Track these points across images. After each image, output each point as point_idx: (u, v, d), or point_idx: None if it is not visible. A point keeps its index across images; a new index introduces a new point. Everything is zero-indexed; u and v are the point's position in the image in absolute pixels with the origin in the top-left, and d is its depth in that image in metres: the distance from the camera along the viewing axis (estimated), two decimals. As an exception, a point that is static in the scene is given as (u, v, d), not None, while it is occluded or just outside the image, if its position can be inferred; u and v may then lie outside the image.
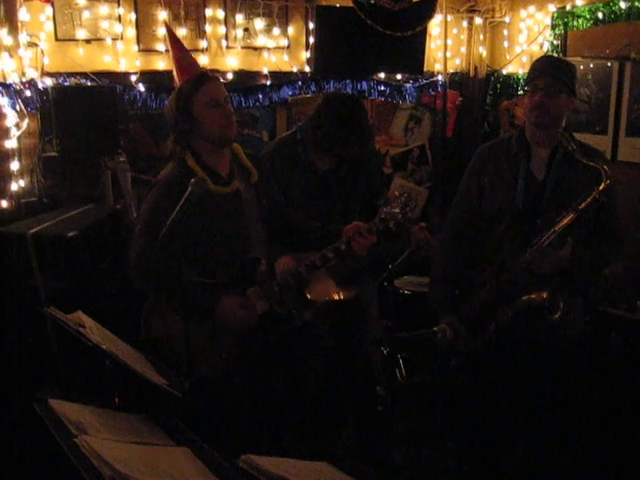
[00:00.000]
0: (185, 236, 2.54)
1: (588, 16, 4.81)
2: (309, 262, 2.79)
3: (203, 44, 4.55)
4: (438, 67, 5.50)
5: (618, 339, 3.52)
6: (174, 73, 3.22)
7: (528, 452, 2.98)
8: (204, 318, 2.61)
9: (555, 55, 5.03)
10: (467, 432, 3.13)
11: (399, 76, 5.27)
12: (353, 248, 2.83)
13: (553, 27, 5.08)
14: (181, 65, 2.84)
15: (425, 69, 5.33)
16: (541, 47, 5.19)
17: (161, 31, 4.46)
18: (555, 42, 5.09)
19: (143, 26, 4.47)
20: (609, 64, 4.72)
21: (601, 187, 2.63)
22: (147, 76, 4.45)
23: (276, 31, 4.79)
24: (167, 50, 4.45)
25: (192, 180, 2.48)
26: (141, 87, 4.43)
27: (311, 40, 4.87)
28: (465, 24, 5.63)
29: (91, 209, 4.00)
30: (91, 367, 2.80)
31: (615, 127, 4.75)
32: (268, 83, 4.79)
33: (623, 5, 4.53)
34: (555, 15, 5.05)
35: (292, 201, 3.24)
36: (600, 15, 4.71)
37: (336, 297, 3.20)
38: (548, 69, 2.80)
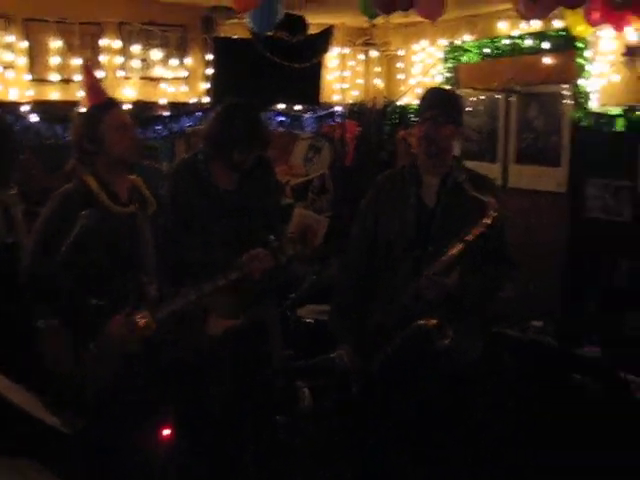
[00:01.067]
0: (80, 256, 2.58)
1: (476, 51, 5.05)
2: (199, 290, 2.81)
3: (99, 74, 4.47)
4: (336, 98, 5.62)
5: (511, 359, 3.66)
6: (83, 97, 3.26)
7: (429, 472, 3.03)
8: (91, 339, 2.62)
9: (448, 87, 5.25)
10: (367, 455, 3.14)
11: (298, 107, 5.35)
12: (248, 274, 2.93)
13: (445, 60, 5.31)
14: (91, 91, 2.91)
15: (324, 100, 5.45)
16: (434, 79, 5.40)
17: (54, 60, 4.37)
18: (447, 75, 5.31)
19: (36, 55, 4.37)
20: (497, 96, 4.95)
21: (488, 220, 2.72)
22: (39, 106, 4.35)
23: (174, 62, 4.78)
24: (63, 80, 4.39)
25: (82, 212, 2.49)
26: (33, 117, 4.31)
27: (209, 71, 4.88)
28: (362, 57, 5.79)
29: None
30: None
31: (504, 155, 4.98)
32: (166, 114, 4.76)
33: (507, 42, 4.78)
34: (447, 49, 5.27)
35: (195, 222, 3.23)
36: (487, 50, 4.95)
37: (231, 324, 3.18)
38: (436, 101, 2.91)
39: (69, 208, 2.63)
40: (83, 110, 2.97)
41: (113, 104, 2.89)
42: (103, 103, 2.87)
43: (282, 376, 3.59)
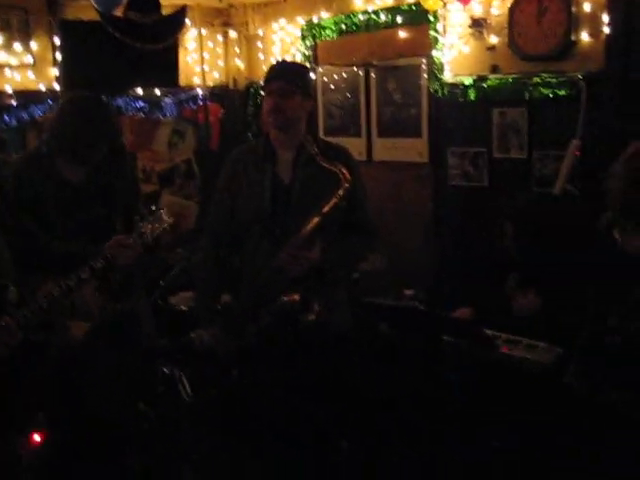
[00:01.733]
0: None
1: (334, 28, 5.08)
2: (64, 285, 2.67)
3: None
4: (197, 81, 5.49)
5: (385, 327, 3.72)
6: None
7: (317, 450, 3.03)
8: None
9: (307, 65, 5.25)
10: (251, 440, 3.12)
11: (158, 92, 5.19)
12: (113, 262, 2.81)
13: (303, 38, 5.30)
14: None
15: (184, 83, 5.31)
16: (294, 57, 5.39)
17: None
18: (307, 52, 5.31)
19: None
20: (356, 70, 5.01)
21: (340, 191, 2.73)
22: None
23: (18, 47, 4.49)
24: None
25: None
26: None
27: (58, 56, 4.63)
28: (220, 38, 5.70)
29: None
30: None
31: (367, 129, 5.05)
32: (14, 103, 4.48)
33: (362, 17, 4.84)
34: (304, 27, 5.27)
35: (47, 219, 3.06)
36: (343, 27, 4.99)
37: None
38: (281, 73, 2.88)
39: None
40: None
41: None
42: None
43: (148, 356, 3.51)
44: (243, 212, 2.90)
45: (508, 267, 3.93)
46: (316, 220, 2.70)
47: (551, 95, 3.99)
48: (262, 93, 2.93)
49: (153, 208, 2.95)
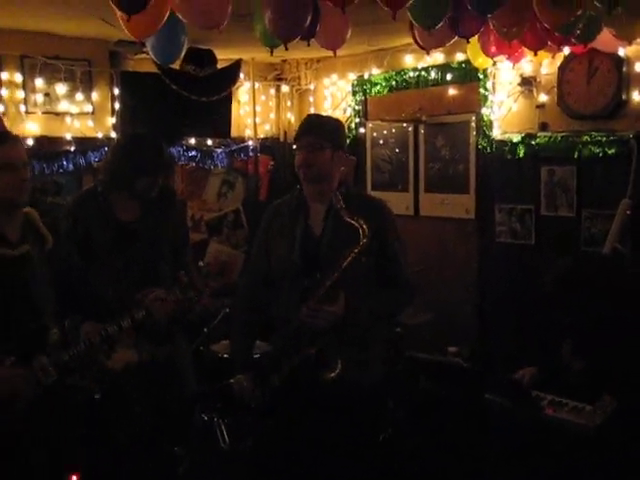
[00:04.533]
0: None
1: (384, 83, 5.17)
2: (104, 332, 2.71)
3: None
4: (249, 133, 5.63)
5: (427, 382, 3.67)
6: None
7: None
8: None
9: (357, 119, 5.35)
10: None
11: (210, 142, 5.32)
12: (153, 315, 2.83)
13: (354, 93, 5.40)
14: None
15: (236, 135, 5.45)
16: (345, 112, 5.49)
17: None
18: (357, 107, 5.40)
19: None
20: (405, 125, 5.06)
21: (357, 248, 2.69)
22: None
23: (79, 96, 4.69)
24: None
25: None
26: None
27: (117, 106, 4.81)
28: (273, 91, 5.84)
29: None
30: None
31: (415, 184, 5.07)
32: (72, 149, 4.65)
33: (412, 74, 4.91)
34: (355, 82, 5.37)
35: (96, 258, 3.13)
36: (394, 83, 5.07)
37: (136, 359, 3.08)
38: (310, 128, 2.90)
39: None
40: None
41: (4, 139, 2.68)
42: None
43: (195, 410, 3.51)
44: (276, 263, 2.93)
45: (558, 328, 3.88)
46: (336, 275, 2.69)
47: (601, 154, 3.97)
48: (294, 147, 2.95)
49: (201, 264, 2.98)
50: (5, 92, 4.39)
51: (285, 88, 5.83)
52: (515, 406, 3.21)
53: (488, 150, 4.53)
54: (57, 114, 4.63)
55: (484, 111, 4.53)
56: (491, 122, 4.51)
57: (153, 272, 3.09)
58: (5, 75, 4.42)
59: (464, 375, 3.45)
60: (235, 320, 3.15)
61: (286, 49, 3.12)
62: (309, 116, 3.36)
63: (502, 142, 4.45)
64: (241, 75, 5.13)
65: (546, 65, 4.22)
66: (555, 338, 3.85)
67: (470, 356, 4.26)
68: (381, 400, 2.95)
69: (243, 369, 2.86)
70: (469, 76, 4.60)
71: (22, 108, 4.49)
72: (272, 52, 3.43)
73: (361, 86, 5.33)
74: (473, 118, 4.65)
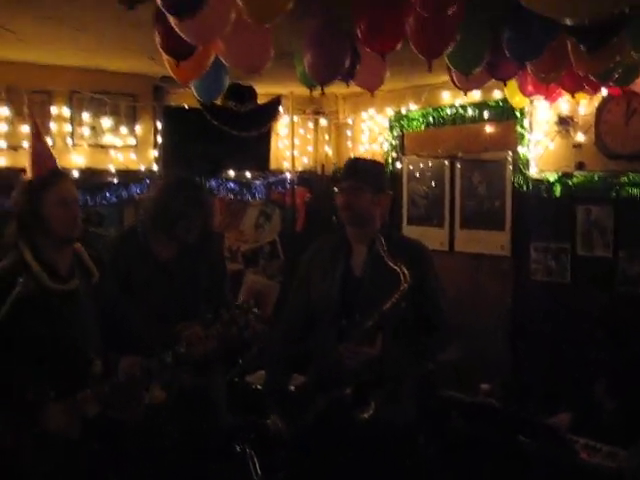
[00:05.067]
0: (16, 334, 2.50)
1: (421, 119, 5.23)
2: (146, 367, 2.77)
3: (48, 142, 4.48)
4: (287, 165, 5.72)
5: (460, 420, 3.66)
6: (28, 165, 3.16)
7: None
8: (32, 422, 2.51)
9: (393, 153, 5.41)
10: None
11: (248, 174, 5.42)
12: (193, 352, 2.86)
13: (391, 128, 5.47)
14: (37, 159, 2.83)
15: (274, 167, 5.54)
16: (381, 146, 5.55)
17: (1, 127, 4.38)
18: (394, 142, 5.47)
19: (-18, 121, 4.38)
20: (441, 162, 5.10)
21: (398, 293, 2.73)
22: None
23: (124, 130, 4.83)
24: (9, 147, 4.39)
25: (20, 280, 2.43)
26: (-21, 185, 4.28)
27: (159, 139, 4.94)
28: (311, 125, 5.94)
29: None
30: None
31: (451, 220, 5.10)
32: (115, 181, 4.78)
33: (449, 111, 4.96)
34: (392, 118, 5.44)
35: (133, 293, 3.21)
36: (431, 119, 5.13)
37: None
38: (351, 172, 2.96)
39: (2, 286, 2.49)
40: (25, 180, 2.84)
41: (57, 177, 2.78)
42: (47, 175, 2.77)
43: (228, 442, 3.55)
44: (316, 299, 2.98)
45: (593, 368, 3.85)
46: (375, 317, 2.73)
47: (639, 195, 3.96)
48: (336, 190, 3.01)
49: (238, 303, 3.03)
50: (54, 126, 4.55)
51: (323, 121, 5.93)
52: (550, 450, 3.19)
53: (524, 188, 4.55)
54: (102, 147, 4.78)
55: (521, 149, 4.56)
56: (528, 160, 4.53)
57: (190, 309, 3.16)
58: (54, 109, 4.57)
59: (497, 416, 3.44)
60: (271, 353, 3.19)
61: (322, 93, 3.21)
62: (351, 160, 3.41)
63: (538, 180, 4.47)
64: (280, 109, 5.23)
65: (584, 105, 4.24)
66: (589, 377, 3.83)
67: (503, 395, 4.24)
68: (412, 437, 2.96)
69: (276, 404, 2.90)
70: (506, 114, 4.63)
71: (69, 141, 4.64)
72: (311, 91, 3.53)
73: (398, 121, 5.40)
74: (510, 156, 4.67)
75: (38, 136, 2.95)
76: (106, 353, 2.80)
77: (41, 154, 2.86)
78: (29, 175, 2.84)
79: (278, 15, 2.19)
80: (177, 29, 2.38)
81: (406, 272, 2.72)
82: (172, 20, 2.33)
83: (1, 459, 2.50)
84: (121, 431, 2.90)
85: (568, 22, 2.30)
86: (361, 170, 2.96)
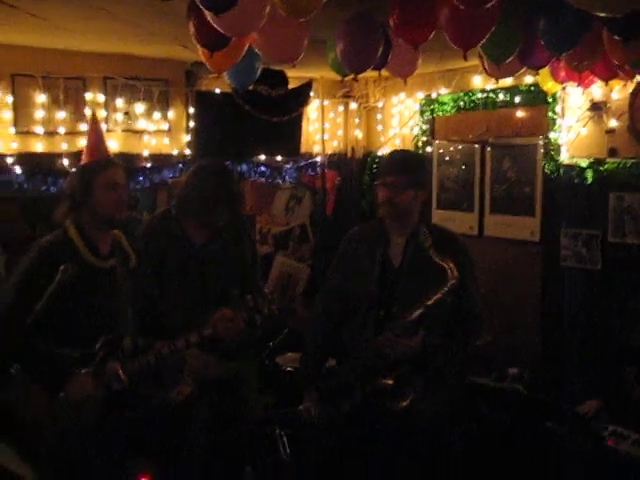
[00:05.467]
0: (55, 310, 2.63)
1: (452, 104, 5.21)
2: (173, 346, 2.87)
3: (82, 127, 4.56)
4: (317, 149, 5.74)
5: (486, 408, 3.69)
6: (84, 151, 3.30)
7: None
8: (57, 389, 2.66)
9: (423, 138, 5.40)
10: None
11: (279, 157, 5.46)
12: (220, 334, 2.95)
13: (422, 112, 5.46)
14: (92, 148, 2.99)
15: (304, 150, 5.57)
16: (412, 130, 5.55)
17: (39, 114, 4.47)
18: (424, 126, 5.46)
19: (20, 108, 4.46)
20: (472, 147, 5.09)
21: (446, 288, 2.76)
22: (24, 158, 4.42)
23: (157, 115, 4.88)
24: (46, 132, 4.48)
25: (61, 267, 2.55)
26: (18, 169, 4.38)
27: (191, 124, 4.99)
28: (341, 109, 5.95)
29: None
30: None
31: (480, 205, 5.09)
32: (149, 165, 4.85)
33: (480, 95, 4.94)
34: (423, 102, 5.43)
35: (167, 278, 3.28)
36: (461, 103, 5.11)
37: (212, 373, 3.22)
38: (395, 167, 2.98)
39: (48, 260, 2.70)
40: (80, 164, 3.04)
41: (109, 163, 2.97)
42: (100, 161, 2.95)
43: (259, 425, 3.62)
44: (353, 290, 3.01)
45: (622, 355, 3.86)
46: (419, 311, 2.75)
47: (672, 181, 3.93)
48: (376, 183, 3.02)
49: (266, 291, 3.10)
50: (89, 111, 4.62)
51: (353, 105, 5.93)
52: (577, 437, 3.22)
53: (555, 174, 4.52)
54: (135, 132, 4.84)
55: (552, 135, 4.53)
56: (559, 146, 4.50)
57: (222, 294, 3.22)
58: (89, 95, 4.64)
59: (525, 403, 3.47)
60: (309, 341, 3.24)
61: (356, 80, 3.22)
62: (393, 154, 3.40)
63: (570, 166, 4.44)
64: (311, 94, 5.25)
65: (617, 90, 4.19)
66: (618, 364, 3.84)
67: (531, 380, 4.26)
68: (446, 427, 3.01)
69: (312, 390, 2.96)
70: (538, 99, 4.59)
71: (103, 126, 4.70)
72: (343, 79, 3.54)
73: (429, 105, 5.38)
74: (541, 141, 4.64)
75: (95, 127, 3.09)
76: (138, 335, 2.91)
77: (96, 143, 3.02)
78: (83, 161, 3.00)
79: (313, 11, 2.21)
80: (212, 22, 2.42)
81: (453, 268, 2.74)
82: (208, 14, 2.37)
83: (23, 425, 2.63)
84: (148, 411, 3.00)
85: (603, 14, 2.29)
86: (405, 166, 2.98)
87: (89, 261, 2.84)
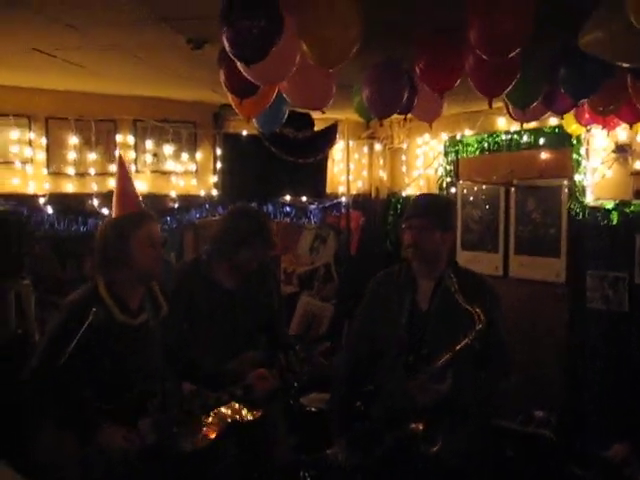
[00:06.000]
0: (85, 360, 2.63)
1: (476, 145, 5.25)
2: (203, 403, 2.88)
3: (112, 168, 4.66)
4: (342, 189, 5.80)
5: (511, 452, 3.65)
6: (114, 199, 3.23)
7: None
8: (86, 440, 2.65)
9: (448, 179, 5.43)
10: None
11: (304, 198, 5.52)
12: (252, 393, 3.02)
13: (446, 154, 5.50)
14: (124, 198, 2.91)
15: (329, 191, 5.63)
16: (436, 171, 5.59)
17: (71, 155, 4.58)
18: (448, 167, 5.50)
19: (53, 150, 4.59)
20: (496, 188, 5.11)
21: (473, 333, 2.75)
22: (55, 199, 4.52)
23: (185, 156, 4.99)
24: (77, 173, 4.59)
25: (93, 309, 2.57)
26: (49, 209, 4.48)
27: (218, 165, 5.08)
28: (366, 150, 6.02)
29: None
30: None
31: (505, 246, 5.09)
32: (176, 206, 4.93)
33: (504, 137, 4.98)
34: (447, 143, 5.48)
35: (197, 323, 3.32)
36: (486, 144, 5.15)
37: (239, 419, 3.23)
38: (421, 210, 2.99)
39: (77, 316, 2.64)
40: (113, 217, 2.92)
41: (147, 218, 2.87)
42: (137, 215, 2.85)
43: (286, 467, 3.61)
44: (381, 335, 3.01)
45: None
46: (447, 356, 2.75)
47: (698, 225, 3.92)
48: (403, 226, 3.04)
49: (297, 348, 3.13)
50: (118, 153, 4.72)
51: (378, 146, 6.00)
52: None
53: (580, 215, 4.52)
54: (164, 173, 4.94)
55: (577, 177, 4.54)
56: (584, 188, 4.51)
57: (250, 338, 3.25)
58: (120, 137, 4.76)
59: (552, 447, 3.43)
60: (336, 384, 3.22)
61: (381, 125, 3.28)
62: (420, 197, 3.42)
63: (595, 208, 4.44)
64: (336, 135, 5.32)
65: (642, 133, 4.21)
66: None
67: (557, 423, 4.21)
68: (475, 470, 2.98)
69: (339, 438, 2.97)
70: (562, 141, 4.62)
71: (132, 167, 4.81)
72: (368, 124, 3.60)
73: (453, 146, 5.43)
74: (565, 183, 4.65)
75: (125, 176, 2.98)
76: (166, 381, 2.91)
77: (128, 194, 2.91)
78: (115, 212, 2.90)
79: (342, 60, 2.27)
80: (243, 71, 2.49)
81: (480, 313, 2.74)
82: (239, 64, 2.44)
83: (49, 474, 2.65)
84: (178, 461, 3.00)
85: (625, 65, 2.33)
86: (431, 208, 2.99)
87: (119, 319, 2.77)
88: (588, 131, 4.38)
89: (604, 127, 3.92)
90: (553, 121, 4.62)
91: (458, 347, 2.74)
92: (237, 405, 3.18)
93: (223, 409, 3.13)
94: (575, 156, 4.57)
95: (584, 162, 4.52)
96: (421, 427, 2.73)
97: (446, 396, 2.76)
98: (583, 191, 4.52)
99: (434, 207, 3.02)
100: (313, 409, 4.50)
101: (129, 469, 2.71)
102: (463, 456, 2.88)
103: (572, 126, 4.35)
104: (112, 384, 2.75)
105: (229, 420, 3.15)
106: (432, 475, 2.80)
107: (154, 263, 2.83)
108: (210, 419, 3.08)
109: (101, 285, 2.79)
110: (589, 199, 4.50)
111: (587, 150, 4.52)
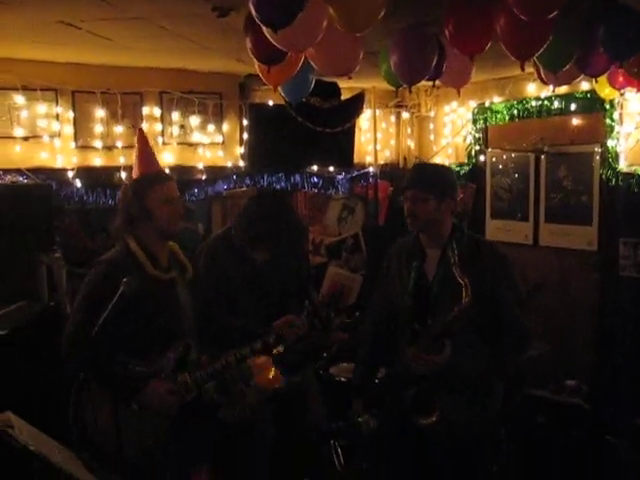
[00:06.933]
0: (120, 322, 2.68)
1: (505, 112, 5.16)
2: (238, 354, 2.92)
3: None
4: (369, 159, 5.75)
5: (543, 420, 3.64)
6: (134, 166, 3.38)
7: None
8: (132, 401, 2.73)
9: (477, 147, 5.36)
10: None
11: (331, 168, 5.48)
12: (284, 338, 3.06)
13: (474, 121, 5.42)
14: (142, 161, 3.06)
15: (356, 161, 5.57)
16: (464, 139, 5.52)
17: (98, 128, 4.59)
18: (477, 135, 5.42)
19: (80, 123, 4.59)
20: (526, 155, 5.03)
21: (460, 307, 2.73)
22: (84, 172, 4.54)
23: (211, 128, 4.97)
24: (104, 147, 4.60)
25: (124, 279, 2.59)
26: (78, 183, 4.50)
27: (245, 136, 5.06)
28: (393, 118, 5.95)
29: (23, 306, 3.97)
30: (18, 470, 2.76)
31: (535, 214, 5.03)
32: (203, 177, 4.93)
33: (534, 103, 4.89)
34: (475, 110, 5.39)
35: (232, 296, 3.37)
36: (515, 111, 5.06)
37: (276, 386, 3.29)
38: (415, 181, 3.01)
39: (112, 275, 2.73)
40: (133, 179, 3.09)
41: (163, 177, 3.05)
42: (154, 175, 3.02)
43: (320, 437, 3.66)
44: (392, 303, 3.06)
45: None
46: (439, 327, 2.76)
47: None
48: (401, 198, 3.07)
49: (326, 292, 3.15)
50: (145, 125, 4.72)
51: (405, 115, 5.93)
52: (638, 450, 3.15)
53: (613, 182, 4.44)
54: (190, 145, 4.93)
55: (610, 142, 4.44)
56: (617, 154, 4.42)
57: (282, 306, 3.28)
58: (146, 110, 4.75)
59: (584, 416, 3.40)
60: (361, 348, 3.28)
61: (410, 92, 3.22)
62: (415, 167, 3.48)
63: (628, 174, 4.35)
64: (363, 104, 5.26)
65: (678, 96, 4.10)
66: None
67: (589, 392, 4.18)
68: (488, 441, 2.97)
69: (361, 397, 3.01)
70: (594, 106, 4.52)
71: (159, 140, 4.81)
72: (397, 91, 3.55)
73: (482, 114, 5.34)
74: (597, 149, 4.57)
75: (144, 141, 3.15)
76: (204, 348, 2.96)
77: (147, 157, 3.08)
78: (135, 174, 3.06)
79: (370, 25, 2.23)
80: (270, 38, 2.46)
81: (468, 286, 2.72)
82: (265, 30, 2.41)
83: (99, 434, 2.69)
84: (216, 421, 3.06)
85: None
86: (424, 178, 3.01)
87: (152, 274, 2.89)
88: (622, 95, 4.27)
89: (638, 90, 3.82)
90: (585, 86, 4.51)
91: (447, 318, 2.74)
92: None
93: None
94: (608, 121, 4.47)
95: (617, 127, 4.42)
96: (410, 394, 2.74)
97: (443, 367, 2.75)
98: (616, 157, 4.42)
99: (427, 177, 3.02)
100: (342, 379, 4.51)
101: (169, 428, 2.80)
102: (464, 428, 2.85)
103: (605, 90, 4.24)
104: (147, 341, 2.83)
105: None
106: (434, 446, 2.80)
107: (172, 218, 2.95)
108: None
109: (132, 242, 2.92)
110: (622, 165, 4.41)
111: (620, 115, 4.42)
